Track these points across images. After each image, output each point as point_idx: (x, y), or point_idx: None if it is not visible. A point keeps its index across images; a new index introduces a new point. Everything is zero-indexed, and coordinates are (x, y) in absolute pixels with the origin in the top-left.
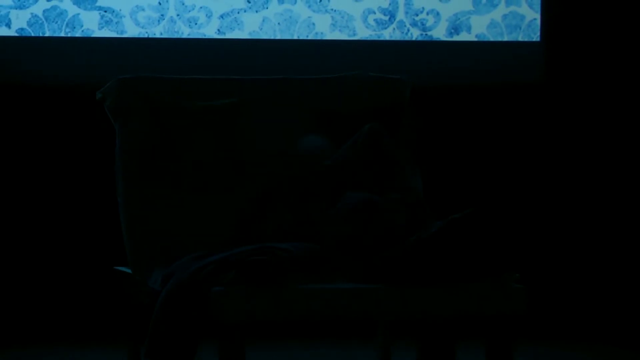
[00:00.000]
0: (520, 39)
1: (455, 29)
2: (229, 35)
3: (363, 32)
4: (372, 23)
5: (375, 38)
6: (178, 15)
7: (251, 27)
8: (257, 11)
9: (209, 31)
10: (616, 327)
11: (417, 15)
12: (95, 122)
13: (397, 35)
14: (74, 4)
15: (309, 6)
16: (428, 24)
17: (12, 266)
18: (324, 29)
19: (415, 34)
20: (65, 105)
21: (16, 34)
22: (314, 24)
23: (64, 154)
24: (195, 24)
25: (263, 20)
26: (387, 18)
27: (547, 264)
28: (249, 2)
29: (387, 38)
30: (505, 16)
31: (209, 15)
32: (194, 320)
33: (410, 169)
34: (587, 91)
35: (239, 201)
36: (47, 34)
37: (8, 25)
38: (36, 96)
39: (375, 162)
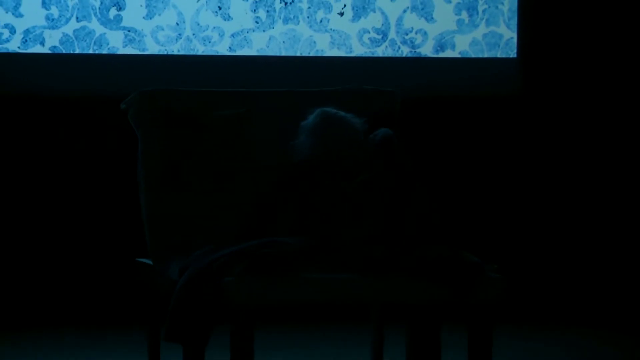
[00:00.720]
0: (498, 55)
1: (440, 46)
2: (239, 52)
3: (359, 50)
4: (367, 41)
5: (370, 55)
6: (194, 34)
7: (259, 45)
8: (264, 31)
9: (221, 49)
10: (589, 311)
11: (407, 34)
12: (120, 129)
13: (389, 52)
14: (101, 24)
15: (311, 26)
16: (417, 42)
17: (49, 258)
18: (324, 47)
19: (405, 51)
20: (93, 115)
21: (49, 52)
22: (314, 42)
23: (94, 157)
24: (209, 42)
25: (269, 39)
26: (380, 37)
27: (524, 257)
28: (257, 22)
29: (380, 55)
30: (485, 35)
31: (221, 35)
32: (208, 306)
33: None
34: (560, 103)
35: (247, 201)
36: (76, 52)
37: (42, 43)
38: (68, 106)
39: (388, 166)
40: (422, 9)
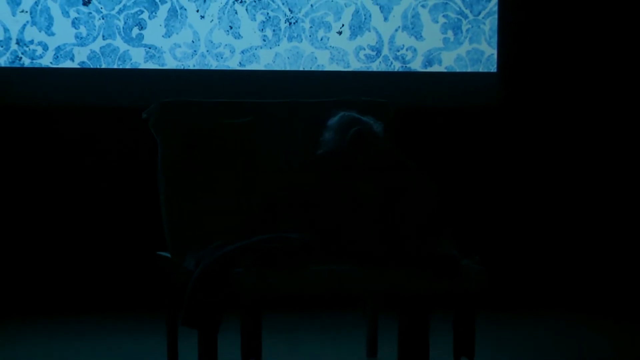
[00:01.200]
0: (480, 70)
1: (429, 62)
2: (248, 67)
3: (355, 65)
4: (363, 57)
5: (365, 69)
6: (207, 51)
7: (266, 60)
8: (270, 48)
9: (232, 64)
10: (573, 298)
11: (398, 51)
12: (141, 136)
13: (383, 67)
14: (124, 42)
15: (312, 44)
16: (407, 58)
17: (81, 252)
18: (324, 62)
19: (397, 66)
20: (118, 123)
21: (78, 67)
22: (316, 58)
23: (119, 161)
24: (221, 58)
25: (275, 55)
26: (374, 53)
27: (509, 251)
28: (264, 40)
29: (375, 69)
30: (468, 52)
31: (232, 51)
32: (220, 295)
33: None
34: (535, 112)
35: (255, 201)
36: (102, 67)
37: (72, 59)
38: (96, 115)
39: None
40: (412, 29)
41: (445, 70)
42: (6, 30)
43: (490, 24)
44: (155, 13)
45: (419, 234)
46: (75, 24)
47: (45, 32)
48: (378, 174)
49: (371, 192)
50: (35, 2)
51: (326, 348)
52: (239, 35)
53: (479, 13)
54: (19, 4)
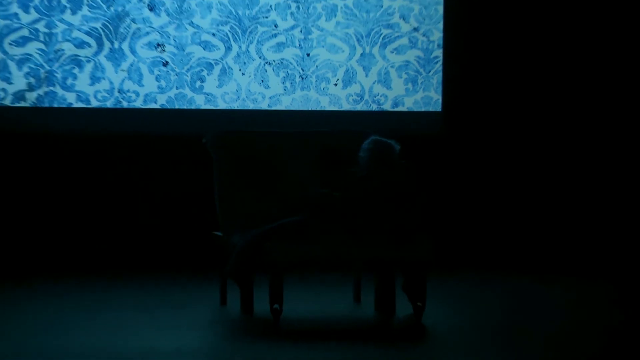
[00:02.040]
0: (430, 110)
1: (395, 104)
2: (274, 108)
3: (346, 106)
4: (351, 101)
5: (352, 109)
6: (247, 97)
7: (286, 103)
8: (289, 95)
9: (263, 106)
10: (518, 260)
11: (375, 97)
12: (203, 154)
13: (364, 108)
14: (191, 90)
15: (317, 92)
16: (381, 102)
17: (166, 232)
18: (325, 104)
19: (374, 107)
20: (187, 147)
21: (160, 107)
22: (319, 101)
23: (192, 172)
24: (256, 101)
25: (292, 100)
26: (359, 98)
27: (454, 225)
28: (285, 90)
29: (359, 109)
30: (422, 97)
31: (263, 97)
32: (253, 260)
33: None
34: (469, 141)
35: (280, 200)
36: (175, 107)
37: (155, 102)
38: (171, 142)
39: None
40: (384, 82)
41: (406, 110)
42: (111, 82)
43: (437, 78)
44: (211, 71)
45: (392, 218)
46: (157, 78)
47: (137, 84)
48: (383, 178)
49: (378, 188)
50: (131, 64)
51: (326, 296)
52: (268, 86)
53: (430, 71)
54: (119, 65)
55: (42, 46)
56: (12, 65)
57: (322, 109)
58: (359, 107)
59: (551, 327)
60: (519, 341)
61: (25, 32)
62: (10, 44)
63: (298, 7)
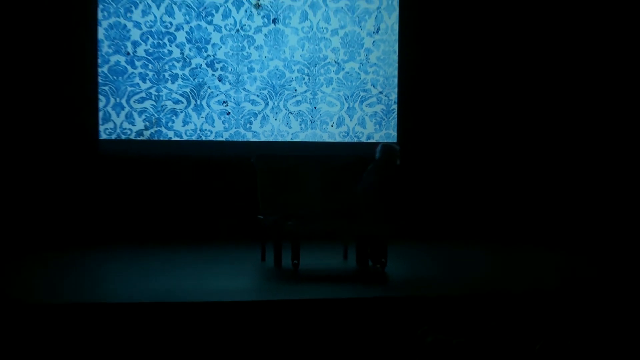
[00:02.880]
0: (391, 141)
1: (368, 138)
2: (294, 140)
3: (338, 139)
4: (341, 136)
5: (342, 141)
6: (278, 133)
7: (302, 138)
8: (303, 132)
9: (288, 139)
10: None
11: (356, 133)
12: (251, 168)
13: (349, 140)
14: (244, 129)
15: (321, 130)
16: (361, 137)
17: (218, 218)
18: (326, 138)
19: (355, 140)
20: (241, 165)
21: (225, 140)
22: (322, 136)
23: (243, 182)
24: (283, 136)
25: (306, 135)
26: (346, 134)
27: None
28: (300, 129)
29: (346, 141)
30: (385, 134)
31: (287, 133)
32: (282, 232)
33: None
34: (416, 159)
35: (298, 197)
36: (234, 140)
37: (222, 136)
38: (231, 161)
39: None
40: (362, 124)
41: (375, 141)
42: (195, 125)
43: (394, 122)
44: (256, 118)
45: (372, 207)
46: (223, 122)
47: (211, 125)
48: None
49: (374, 181)
50: (207, 113)
51: (326, 256)
52: (290, 127)
53: (389, 118)
54: (200, 114)
55: (154, 103)
56: (135, 115)
57: (324, 141)
58: (346, 139)
59: (476, 275)
60: (447, 284)
61: (143, 95)
62: (134, 102)
63: (309, 79)
